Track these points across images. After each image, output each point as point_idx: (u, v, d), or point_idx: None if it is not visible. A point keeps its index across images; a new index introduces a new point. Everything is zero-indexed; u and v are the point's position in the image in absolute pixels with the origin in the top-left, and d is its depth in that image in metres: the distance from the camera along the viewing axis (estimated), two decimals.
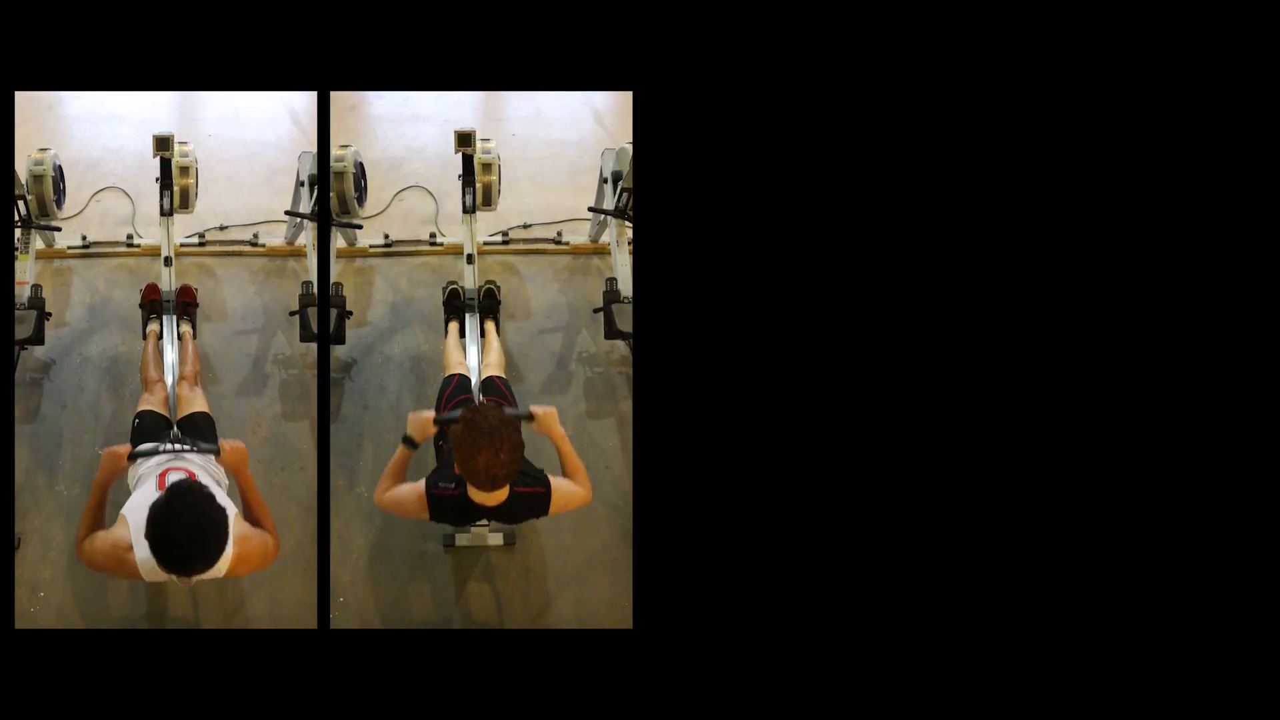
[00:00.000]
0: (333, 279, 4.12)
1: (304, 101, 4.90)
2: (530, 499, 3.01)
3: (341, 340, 4.00)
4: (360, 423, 3.95)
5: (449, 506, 2.99)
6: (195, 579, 2.80)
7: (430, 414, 3.13)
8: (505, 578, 3.70)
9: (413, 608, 3.65)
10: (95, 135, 4.80)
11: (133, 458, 3.12)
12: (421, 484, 3.05)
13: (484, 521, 3.64)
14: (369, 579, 3.68)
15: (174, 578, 2.79)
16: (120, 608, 3.63)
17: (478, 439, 2.78)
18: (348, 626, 3.59)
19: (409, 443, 3.09)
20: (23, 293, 3.98)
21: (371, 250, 4.38)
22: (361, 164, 4.16)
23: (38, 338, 3.98)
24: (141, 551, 2.78)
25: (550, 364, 4.11)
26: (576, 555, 3.74)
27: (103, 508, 2.96)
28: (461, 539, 3.70)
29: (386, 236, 4.43)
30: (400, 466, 3.10)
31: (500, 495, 2.90)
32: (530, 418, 3.09)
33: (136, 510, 2.83)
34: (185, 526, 2.66)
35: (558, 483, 3.07)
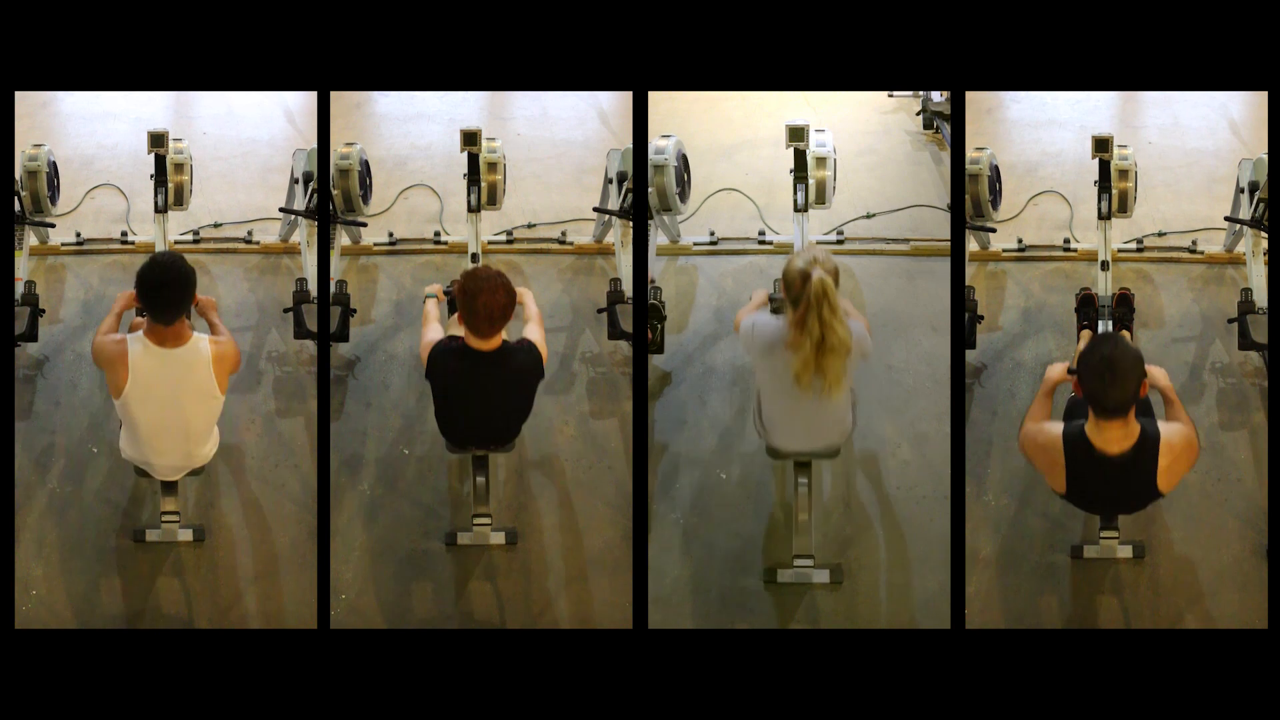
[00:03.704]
0: (337, 276, 4.38)
1: (299, 100, 5.14)
2: (518, 347, 3.57)
3: (345, 338, 4.26)
4: (364, 420, 4.20)
5: (450, 354, 3.53)
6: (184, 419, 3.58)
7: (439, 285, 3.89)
8: (507, 577, 3.93)
9: (414, 606, 3.88)
10: (89, 132, 5.04)
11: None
12: (439, 336, 3.64)
13: (486, 520, 3.92)
14: (370, 577, 3.92)
15: (154, 467, 3.68)
16: (113, 605, 3.88)
17: (477, 283, 3.43)
18: (348, 625, 3.83)
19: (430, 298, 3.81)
20: (15, 289, 4.21)
21: (376, 248, 4.64)
22: (366, 162, 4.42)
23: (31, 334, 4.23)
24: (126, 451, 3.68)
25: (553, 364, 4.32)
26: (578, 555, 3.97)
27: (118, 318, 3.70)
28: (463, 538, 3.95)
29: (391, 235, 4.68)
30: (430, 315, 3.76)
31: (495, 341, 3.49)
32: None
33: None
34: (164, 263, 3.47)
35: (529, 329, 3.68)
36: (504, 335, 3.57)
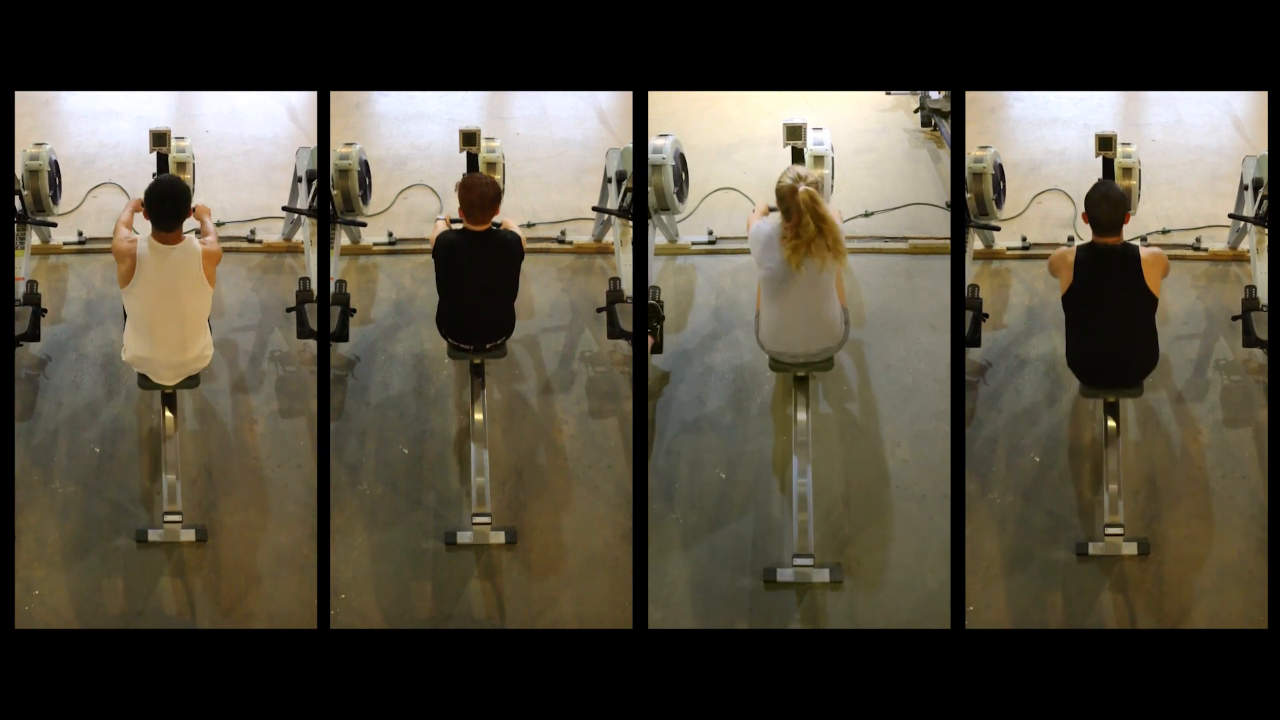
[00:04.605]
0: (337, 276, 4.41)
1: (301, 98, 5.16)
2: (503, 229, 4.15)
3: (345, 337, 4.29)
4: (363, 419, 4.24)
5: (451, 234, 4.14)
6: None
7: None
8: (507, 576, 3.98)
9: (414, 606, 3.93)
10: (91, 131, 5.06)
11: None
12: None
13: (486, 520, 3.96)
14: (370, 577, 3.97)
15: (152, 362, 4.05)
16: (115, 605, 3.93)
17: (473, 179, 4.14)
18: (348, 625, 3.88)
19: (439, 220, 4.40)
20: (18, 289, 4.25)
21: (375, 248, 4.67)
22: (366, 162, 4.45)
23: (33, 334, 4.26)
24: (129, 349, 4.08)
25: (553, 363, 4.37)
26: (578, 554, 4.01)
27: (131, 216, 4.18)
28: (463, 538, 3.99)
29: (390, 234, 4.70)
30: (438, 228, 4.27)
31: (485, 224, 4.11)
32: None
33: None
34: (166, 181, 4.14)
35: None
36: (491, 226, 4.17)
